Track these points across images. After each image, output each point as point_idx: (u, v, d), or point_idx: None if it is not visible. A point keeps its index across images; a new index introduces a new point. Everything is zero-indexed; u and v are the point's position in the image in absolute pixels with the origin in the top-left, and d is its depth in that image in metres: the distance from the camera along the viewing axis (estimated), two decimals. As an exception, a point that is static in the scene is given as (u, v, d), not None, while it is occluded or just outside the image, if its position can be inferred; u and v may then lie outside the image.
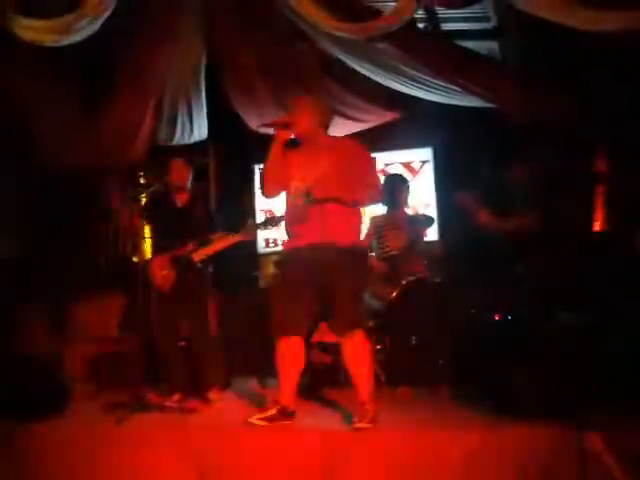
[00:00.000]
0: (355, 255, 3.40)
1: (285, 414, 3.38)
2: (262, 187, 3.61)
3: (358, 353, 3.38)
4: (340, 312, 3.32)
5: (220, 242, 4.26)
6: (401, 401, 4.05)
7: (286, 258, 3.57)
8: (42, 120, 5.19)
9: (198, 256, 4.22)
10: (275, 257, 5.70)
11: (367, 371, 3.38)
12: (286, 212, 3.58)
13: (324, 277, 3.32)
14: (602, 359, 3.42)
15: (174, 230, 4.29)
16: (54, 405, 3.76)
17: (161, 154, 6.08)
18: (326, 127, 3.59)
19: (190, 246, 4.22)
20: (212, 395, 4.19)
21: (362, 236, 3.60)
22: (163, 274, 4.21)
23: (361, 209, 3.59)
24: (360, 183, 3.39)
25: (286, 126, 3.46)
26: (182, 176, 4.41)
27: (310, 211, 3.36)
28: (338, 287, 3.30)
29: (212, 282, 4.46)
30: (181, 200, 4.43)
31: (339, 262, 3.31)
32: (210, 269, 4.39)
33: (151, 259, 4.35)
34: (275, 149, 3.47)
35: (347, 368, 3.44)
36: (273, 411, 3.38)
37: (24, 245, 5.63)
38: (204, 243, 4.25)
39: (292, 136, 3.51)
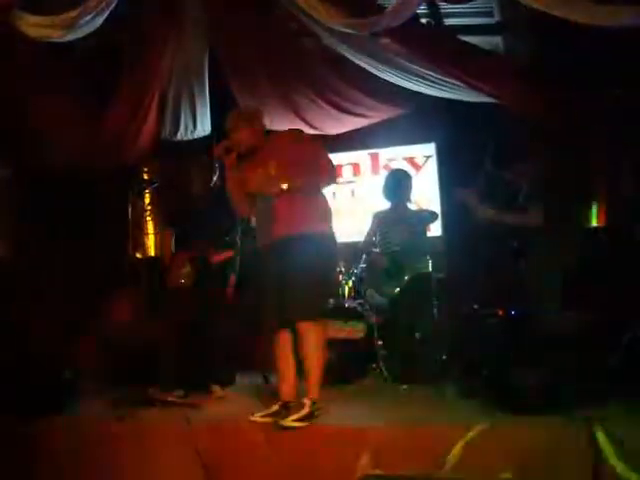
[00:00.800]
0: (305, 242, 3.35)
1: (288, 409, 3.38)
2: (235, 210, 3.74)
3: (304, 343, 3.35)
4: (288, 300, 3.31)
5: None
6: (403, 397, 4.05)
7: (252, 259, 3.67)
8: (45, 116, 5.20)
9: (214, 258, 4.25)
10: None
11: (312, 363, 3.34)
12: (255, 216, 3.66)
13: (280, 270, 3.36)
14: (606, 355, 3.42)
15: (194, 230, 4.33)
16: (58, 401, 3.78)
17: (164, 150, 6.11)
18: (264, 130, 3.65)
19: (208, 248, 4.25)
20: (215, 391, 4.18)
21: (324, 224, 3.51)
22: (182, 271, 4.26)
23: (320, 197, 3.55)
24: (306, 167, 3.41)
25: (229, 150, 3.52)
26: (207, 176, 4.45)
27: (271, 212, 3.43)
28: (288, 275, 3.32)
29: (224, 284, 4.41)
30: (203, 199, 4.45)
31: (288, 252, 3.34)
32: (227, 271, 4.37)
33: (171, 257, 4.38)
34: (230, 174, 3.57)
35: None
36: (275, 407, 3.39)
37: (29, 242, 5.65)
38: (222, 245, 4.29)
39: (236, 155, 3.55)
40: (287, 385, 3.47)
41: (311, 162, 3.44)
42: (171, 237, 4.51)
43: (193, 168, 4.50)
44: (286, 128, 3.83)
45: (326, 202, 3.58)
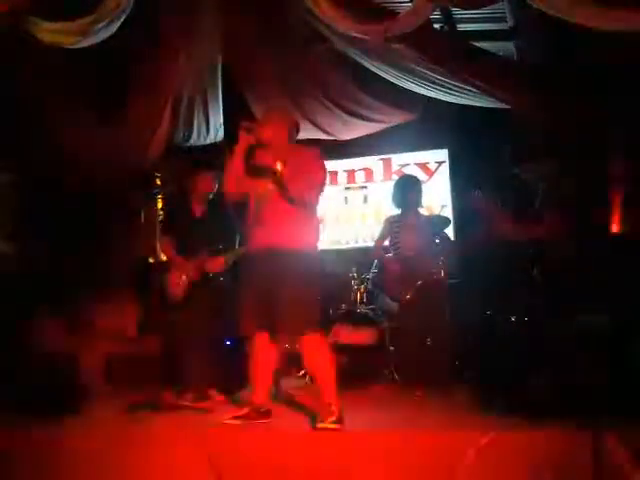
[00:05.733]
0: (298, 258, 3.36)
1: (259, 413, 3.40)
2: (225, 189, 3.64)
3: (313, 355, 3.39)
4: (285, 315, 3.30)
5: (231, 254, 4.30)
6: (415, 401, 4.04)
7: (244, 260, 3.63)
8: (59, 120, 5.24)
9: (211, 266, 4.24)
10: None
11: (326, 372, 3.35)
12: (247, 215, 3.59)
13: (272, 280, 3.34)
14: (618, 360, 3.39)
15: (192, 239, 4.31)
16: (70, 404, 3.79)
17: (177, 155, 6.14)
18: (292, 140, 3.63)
19: (204, 256, 4.24)
20: (213, 396, 4.17)
21: (316, 240, 3.53)
22: (178, 282, 4.26)
23: (315, 214, 3.55)
24: (306, 182, 3.39)
25: (249, 130, 3.49)
26: (208, 188, 4.43)
27: (265, 214, 3.42)
28: (282, 290, 3.30)
29: (224, 291, 4.37)
30: (200, 209, 4.46)
31: (283, 266, 3.32)
32: (222, 278, 4.34)
33: (168, 267, 4.37)
34: (237, 150, 3.51)
35: (308, 369, 3.48)
36: (246, 410, 3.41)
37: (42, 244, 5.68)
38: (218, 253, 4.27)
39: (254, 142, 3.52)
40: (261, 388, 3.48)
41: (308, 174, 3.42)
42: (169, 245, 4.47)
43: (193, 175, 4.45)
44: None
45: (318, 220, 3.60)
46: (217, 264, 4.27)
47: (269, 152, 3.53)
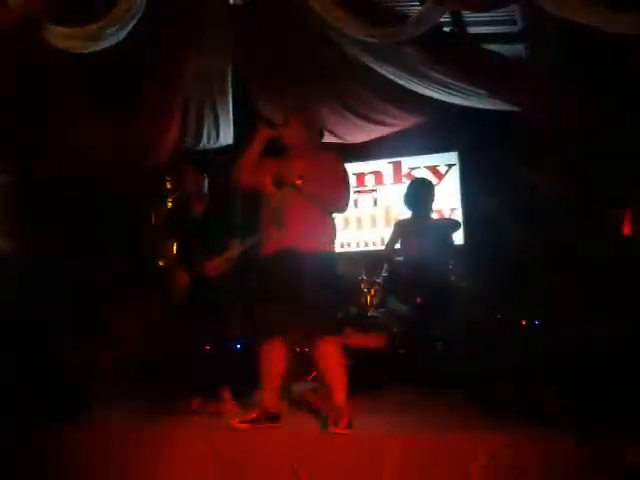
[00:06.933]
0: (318, 261, 3.36)
1: (268, 417, 3.39)
2: (234, 178, 3.62)
3: (327, 358, 3.38)
4: (305, 318, 3.30)
5: (228, 253, 4.28)
6: (426, 405, 4.02)
7: (260, 263, 3.57)
8: (69, 122, 5.25)
9: (211, 268, 4.22)
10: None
11: (338, 375, 3.36)
12: (261, 216, 3.59)
13: (290, 282, 3.32)
14: (633, 369, 3.36)
15: (192, 241, 4.31)
16: (78, 407, 3.80)
17: (188, 158, 6.15)
18: (315, 143, 3.64)
19: (204, 258, 4.23)
20: (226, 398, 4.15)
21: (333, 242, 3.55)
22: (184, 285, 4.25)
23: (332, 217, 3.56)
24: (327, 186, 3.41)
25: (269, 124, 3.50)
26: (196, 183, 4.41)
27: (283, 216, 3.40)
28: (301, 292, 3.29)
29: (224, 293, 4.38)
30: (199, 209, 4.42)
31: (303, 268, 3.31)
32: (222, 280, 4.31)
33: (172, 271, 4.38)
34: (254, 142, 3.51)
35: (319, 372, 3.51)
36: (256, 413, 3.40)
37: (53, 245, 5.69)
38: (217, 254, 4.26)
39: (273, 135, 3.53)
40: (270, 392, 3.47)
41: (330, 181, 3.44)
42: (173, 248, 4.49)
43: (184, 175, 4.47)
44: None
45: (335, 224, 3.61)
46: (216, 265, 4.23)
47: (287, 154, 3.55)
